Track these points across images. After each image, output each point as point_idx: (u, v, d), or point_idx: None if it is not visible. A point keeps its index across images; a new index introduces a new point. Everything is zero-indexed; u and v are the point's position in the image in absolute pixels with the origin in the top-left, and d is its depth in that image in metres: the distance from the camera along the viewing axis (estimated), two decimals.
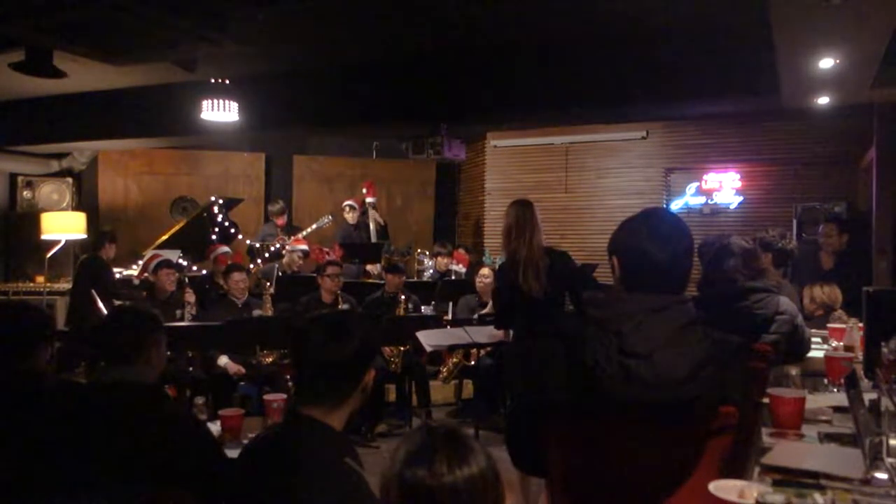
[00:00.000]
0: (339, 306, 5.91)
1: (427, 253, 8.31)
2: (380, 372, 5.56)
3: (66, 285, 7.64)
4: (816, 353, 3.37)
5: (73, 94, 7.09)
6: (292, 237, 7.66)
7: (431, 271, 7.91)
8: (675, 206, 8.15)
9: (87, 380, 5.14)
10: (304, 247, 7.32)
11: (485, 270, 6.50)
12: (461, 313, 6.48)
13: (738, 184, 7.91)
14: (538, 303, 3.82)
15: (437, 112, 6.50)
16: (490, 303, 6.12)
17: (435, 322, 5.81)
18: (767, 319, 3.23)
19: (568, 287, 3.95)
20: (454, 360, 5.93)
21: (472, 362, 5.78)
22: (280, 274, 6.85)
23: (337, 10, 4.95)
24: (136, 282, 6.77)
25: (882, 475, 1.64)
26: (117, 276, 6.88)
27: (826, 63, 4.38)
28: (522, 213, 3.93)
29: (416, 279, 7.91)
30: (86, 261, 6.73)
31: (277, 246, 7.30)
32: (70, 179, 8.56)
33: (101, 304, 5.75)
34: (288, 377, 5.60)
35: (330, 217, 8.19)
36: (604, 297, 2.00)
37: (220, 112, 6.10)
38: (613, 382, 1.75)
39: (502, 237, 4.02)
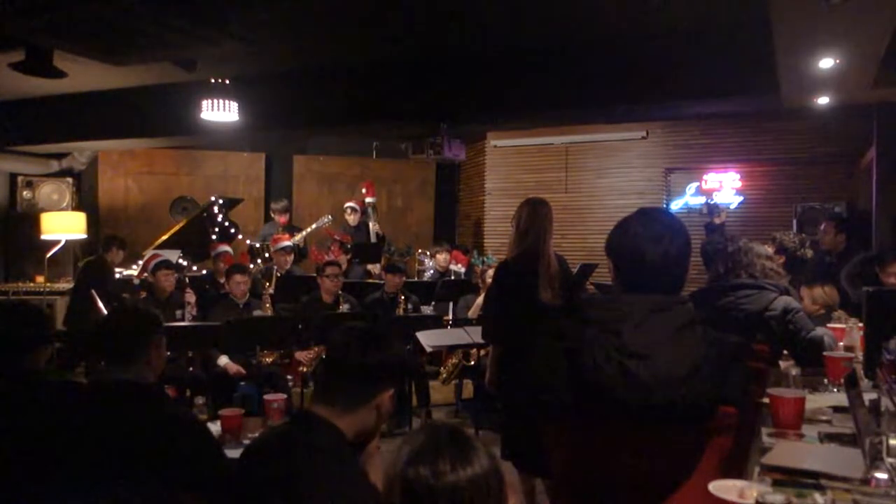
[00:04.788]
0: (340, 306, 5.91)
1: (427, 253, 8.31)
2: None
3: (66, 285, 7.64)
4: None
5: (73, 94, 7.09)
6: (273, 238, 7.61)
7: (432, 272, 7.91)
8: (675, 206, 8.15)
9: (87, 380, 5.15)
10: (287, 242, 7.29)
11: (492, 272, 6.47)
12: (461, 313, 6.48)
13: (738, 184, 7.91)
14: (550, 312, 3.49)
15: (437, 112, 6.50)
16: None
17: (435, 322, 5.81)
18: (753, 316, 3.16)
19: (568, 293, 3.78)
20: (454, 360, 5.93)
21: (472, 362, 5.78)
22: (279, 275, 6.84)
23: (337, 11, 4.95)
24: (136, 282, 6.78)
25: (882, 475, 1.64)
26: (117, 275, 6.88)
27: (826, 63, 4.38)
28: (539, 212, 3.65)
29: (416, 279, 7.92)
30: (90, 262, 6.74)
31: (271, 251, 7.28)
32: (70, 179, 8.56)
33: (101, 305, 5.75)
34: (288, 377, 5.61)
35: (330, 217, 8.19)
36: (603, 298, 2.00)
37: (220, 112, 6.10)
38: (613, 383, 1.75)
39: (513, 236, 3.70)
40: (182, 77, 6.04)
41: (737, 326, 3.07)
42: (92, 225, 8.25)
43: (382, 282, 6.62)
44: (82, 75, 6.12)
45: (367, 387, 1.82)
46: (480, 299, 6.15)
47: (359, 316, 5.74)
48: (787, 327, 3.13)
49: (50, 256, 7.61)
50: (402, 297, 6.29)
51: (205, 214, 7.82)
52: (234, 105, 6.14)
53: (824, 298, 4.33)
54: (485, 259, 8.16)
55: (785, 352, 3.19)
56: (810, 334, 3.15)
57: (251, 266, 7.07)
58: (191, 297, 5.87)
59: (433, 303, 6.86)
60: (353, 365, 1.80)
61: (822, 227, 6.02)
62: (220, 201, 7.83)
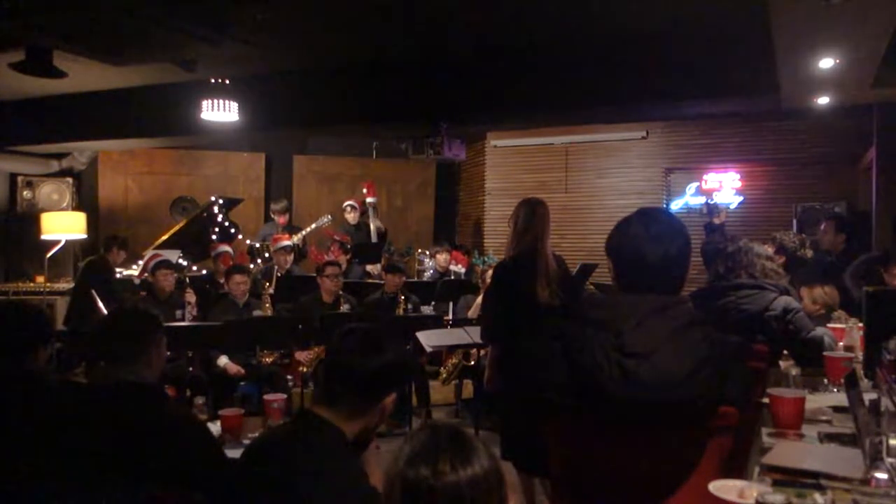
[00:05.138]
0: (340, 307, 5.91)
1: (427, 253, 8.30)
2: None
3: (66, 285, 7.64)
4: None
5: (73, 94, 7.09)
6: (273, 237, 7.61)
7: (432, 271, 7.91)
8: (675, 206, 8.15)
9: (87, 380, 5.14)
10: (287, 242, 7.29)
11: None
12: (461, 313, 6.47)
13: (738, 184, 7.90)
14: (548, 311, 3.49)
15: (437, 112, 6.50)
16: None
17: (435, 322, 5.81)
18: (753, 316, 3.16)
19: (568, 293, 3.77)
20: (454, 360, 5.93)
21: (472, 362, 5.78)
22: (279, 275, 6.84)
23: (337, 11, 4.95)
24: (137, 281, 6.78)
25: (882, 475, 1.64)
26: (117, 275, 6.88)
27: (826, 63, 4.39)
28: (536, 212, 3.64)
29: (416, 279, 7.91)
30: (91, 262, 6.73)
31: (271, 251, 7.28)
32: (70, 179, 8.56)
33: (101, 304, 5.75)
34: (288, 377, 5.61)
35: (329, 217, 8.19)
36: (603, 298, 2.00)
37: (220, 112, 6.09)
38: (613, 383, 1.75)
39: (511, 236, 3.70)
40: (182, 77, 6.04)
41: (737, 326, 3.08)
42: (92, 225, 8.24)
43: (382, 282, 6.61)
44: (82, 75, 6.12)
45: (372, 394, 1.82)
46: (480, 299, 6.15)
47: (358, 316, 5.73)
48: (786, 327, 3.13)
49: (50, 256, 7.60)
50: (402, 298, 6.28)
51: (205, 214, 7.82)
52: (234, 105, 6.14)
53: (824, 298, 4.33)
54: (485, 259, 8.16)
55: (785, 352, 3.19)
56: (810, 334, 3.15)
57: (251, 266, 7.07)
58: (191, 297, 5.87)
59: (433, 303, 6.85)
60: (356, 374, 1.80)
61: (822, 226, 6.01)
62: (220, 201, 7.83)
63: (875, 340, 2.62)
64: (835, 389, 2.66)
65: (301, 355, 5.64)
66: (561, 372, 1.84)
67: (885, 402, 1.92)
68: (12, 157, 8.15)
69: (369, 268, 7.93)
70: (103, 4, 4.12)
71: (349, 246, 7.83)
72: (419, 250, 8.60)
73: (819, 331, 3.22)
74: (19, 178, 8.34)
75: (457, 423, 2.68)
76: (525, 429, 3.22)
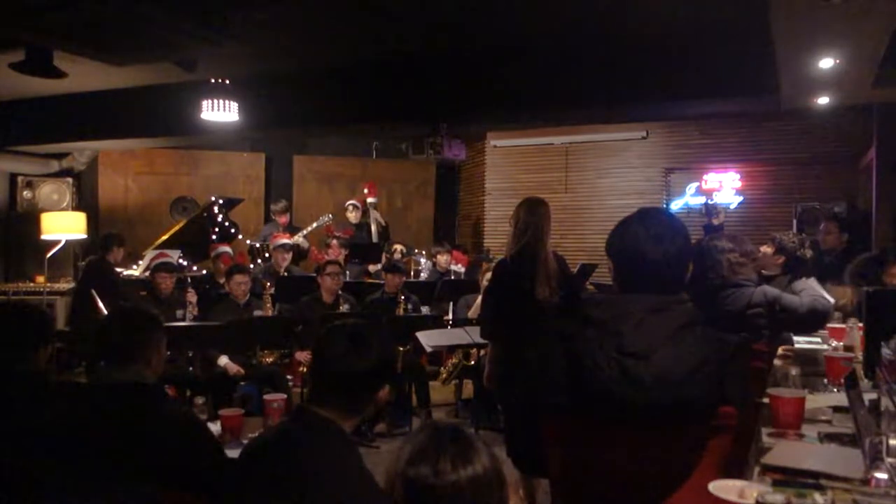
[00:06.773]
0: (340, 307, 5.91)
1: (423, 252, 8.29)
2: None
3: (66, 285, 7.64)
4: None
5: (73, 94, 7.08)
6: (273, 236, 7.60)
7: (427, 272, 7.90)
8: (675, 206, 8.15)
9: (87, 380, 5.14)
10: (286, 240, 7.28)
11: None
12: (461, 313, 6.47)
13: (738, 184, 7.90)
14: (547, 310, 3.53)
15: (437, 112, 6.50)
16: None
17: (435, 322, 5.81)
18: (736, 315, 3.16)
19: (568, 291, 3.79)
20: (454, 360, 5.93)
21: (472, 362, 5.78)
22: (280, 275, 6.84)
23: (337, 11, 4.95)
24: (140, 279, 6.78)
25: (882, 475, 1.64)
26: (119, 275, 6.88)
27: (826, 63, 4.38)
28: (537, 211, 3.67)
29: (412, 279, 7.91)
30: (92, 262, 6.73)
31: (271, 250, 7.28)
32: (70, 179, 8.55)
33: (101, 304, 5.75)
34: (288, 377, 5.61)
35: (330, 216, 8.19)
36: (603, 298, 2.00)
37: (220, 112, 6.09)
38: (613, 383, 1.75)
39: (511, 235, 3.72)
40: (182, 77, 6.04)
41: (723, 326, 3.07)
42: (92, 225, 8.24)
43: (382, 282, 6.61)
44: (82, 75, 6.12)
45: (363, 393, 1.83)
46: (480, 298, 6.14)
47: (357, 315, 5.73)
48: (778, 316, 3.14)
49: (50, 256, 7.60)
50: (402, 298, 6.28)
51: (205, 214, 7.82)
52: (234, 105, 6.13)
53: (839, 298, 4.31)
54: (492, 257, 8.12)
55: (784, 351, 3.21)
56: (803, 307, 3.17)
57: (251, 266, 7.07)
58: (192, 296, 5.86)
59: (433, 302, 6.85)
60: (345, 378, 1.80)
61: (823, 226, 6.01)
62: (220, 201, 7.83)
63: (875, 340, 2.62)
64: (835, 389, 2.66)
65: (301, 355, 5.64)
66: (561, 372, 1.84)
67: (885, 402, 1.93)
68: (12, 157, 8.14)
69: (370, 268, 7.93)
70: (103, 4, 4.12)
71: (348, 239, 7.81)
72: (415, 250, 8.58)
73: (807, 299, 3.23)
74: (19, 178, 8.34)
75: (457, 423, 2.68)
76: (525, 428, 3.23)
